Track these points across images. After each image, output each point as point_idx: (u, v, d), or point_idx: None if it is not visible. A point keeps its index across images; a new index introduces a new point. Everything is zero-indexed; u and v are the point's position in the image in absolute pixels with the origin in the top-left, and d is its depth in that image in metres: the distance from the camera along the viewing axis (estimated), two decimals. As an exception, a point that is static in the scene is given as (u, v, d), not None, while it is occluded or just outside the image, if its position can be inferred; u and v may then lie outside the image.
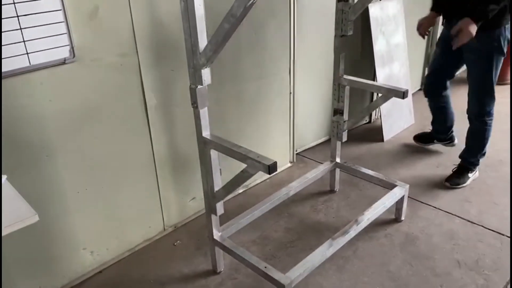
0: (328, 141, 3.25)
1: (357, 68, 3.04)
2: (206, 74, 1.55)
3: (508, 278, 1.96)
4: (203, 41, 1.48)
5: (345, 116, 2.34)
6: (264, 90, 2.57)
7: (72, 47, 1.69)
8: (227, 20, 1.38)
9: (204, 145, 1.73)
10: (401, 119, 3.46)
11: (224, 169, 1.88)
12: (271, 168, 1.50)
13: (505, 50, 2.30)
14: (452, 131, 2.98)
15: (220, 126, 2.35)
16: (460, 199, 2.52)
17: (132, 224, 2.19)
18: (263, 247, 2.24)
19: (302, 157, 3.06)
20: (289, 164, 2.97)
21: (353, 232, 2.02)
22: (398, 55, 3.39)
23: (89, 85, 1.81)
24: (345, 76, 2.23)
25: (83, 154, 1.88)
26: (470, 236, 2.22)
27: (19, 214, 0.99)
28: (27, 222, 0.97)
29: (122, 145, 2.00)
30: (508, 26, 2.26)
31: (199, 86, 1.58)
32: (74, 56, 1.70)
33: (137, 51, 1.91)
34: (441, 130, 3.00)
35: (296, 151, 3.03)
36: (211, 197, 1.86)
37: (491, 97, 2.44)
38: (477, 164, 2.67)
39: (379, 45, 3.17)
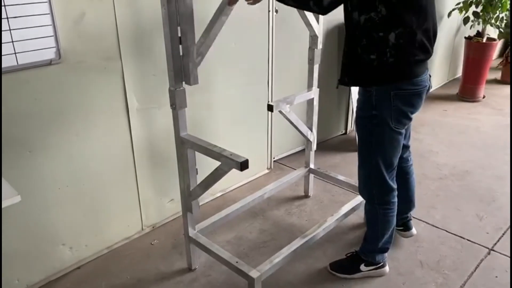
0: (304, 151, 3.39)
1: (332, 80, 3.18)
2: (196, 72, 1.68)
3: (465, 277, 2.08)
4: (194, 39, 1.62)
5: (315, 126, 2.52)
6: (243, 99, 2.69)
7: (58, 49, 1.79)
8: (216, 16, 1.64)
9: (181, 144, 1.83)
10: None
11: (203, 171, 1.97)
12: (243, 165, 1.61)
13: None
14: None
15: (199, 133, 2.44)
16: (427, 205, 2.65)
17: (111, 223, 2.26)
18: (238, 246, 2.33)
19: (280, 164, 3.18)
20: (267, 171, 3.08)
21: (322, 232, 2.12)
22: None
23: (74, 86, 1.90)
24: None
25: (65, 152, 1.96)
26: (433, 239, 2.35)
27: (1, 194, 1.06)
28: (9, 202, 1.04)
29: (103, 144, 2.09)
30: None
31: (178, 88, 1.69)
32: (60, 57, 1.80)
33: (120, 56, 2.01)
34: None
35: (273, 158, 3.15)
36: (187, 195, 1.95)
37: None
38: (373, 261, 2.05)
39: None
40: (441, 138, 3.61)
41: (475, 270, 2.13)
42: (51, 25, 1.74)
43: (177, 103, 1.72)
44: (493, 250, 2.26)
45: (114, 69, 2.02)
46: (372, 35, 1.58)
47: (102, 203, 2.18)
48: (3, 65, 1.65)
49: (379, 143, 1.78)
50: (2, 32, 1.61)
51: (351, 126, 3.73)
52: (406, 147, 2.07)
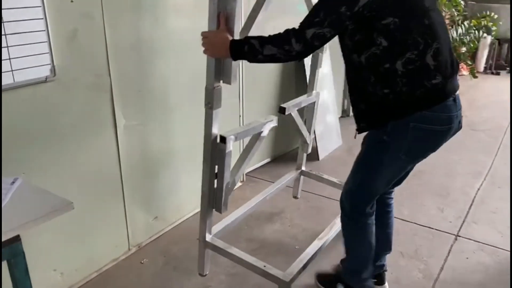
0: (271, 162, 3.53)
1: (294, 95, 3.37)
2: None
3: (442, 262, 2.31)
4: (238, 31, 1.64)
5: (310, 131, 2.64)
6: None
7: (53, 66, 1.76)
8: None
9: (216, 142, 1.80)
10: (331, 140, 3.85)
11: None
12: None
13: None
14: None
15: (173, 147, 2.49)
16: (395, 203, 2.87)
17: (99, 244, 2.20)
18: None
19: (251, 177, 3.26)
20: (240, 184, 3.15)
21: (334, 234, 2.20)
22: (326, 83, 3.81)
23: (67, 103, 1.87)
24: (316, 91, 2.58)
25: (56, 173, 1.91)
26: (407, 232, 2.57)
27: (54, 204, 1.06)
28: (64, 210, 1.04)
29: (92, 163, 2.05)
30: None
31: (216, 87, 1.68)
32: (55, 75, 1.77)
33: (109, 73, 2.02)
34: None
35: (244, 171, 3.23)
36: (220, 194, 1.90)
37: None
38: (348, 283, 1.94)
39: None
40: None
41: (448, 255, 2.36)
42: (46, 42, 1.72)
43: (214, 102, 1.70)
44: (459, 236, 2.53)
45: (103, 86, 2.01)
46: (379, 70, 1.47)
47: (90, 224, 2.12)
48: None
49: (376, 167, 1.65)
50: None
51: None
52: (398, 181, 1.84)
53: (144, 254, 2.37)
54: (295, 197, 2.93)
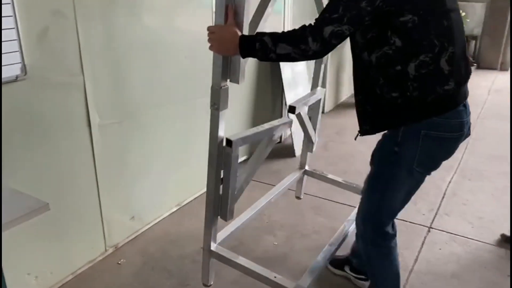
0: (247, 160, 3.53)
1: (270, 92, 3.40)
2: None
3: (416, 253, 2.37)
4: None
5: (316, 129, 2.54)
6: (189, 112, 2.74)
7: (24, 65, 1.72)
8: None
9: (223, 145, 1.69)
10: (307, 137, 3.88)
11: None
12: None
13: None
14: None
15: (149, 146, 2.47)
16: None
17: (75, 246, 2.16)
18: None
19: (228, 174, 3.26)
20: (217, 181, 3.15)
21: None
22: (301, 80, 3.84)
23: (38, 102, 1.83)
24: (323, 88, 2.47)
25: (28, 173, 1.86)
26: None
27: (30, 205, 1.04)
28: (40, 211, 1.02)
29: (66, 163, 2.01)
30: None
31: (223, 87, 1.56)
32: (25, 73, 1.73)
33: (83, 71, 1.98)
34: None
35: (221, 169, 3.23)
36: (225, 201, 1.77)
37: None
38: None
39: (286, 73, 3.59)
40: (363, 139, 3.99)
41: (422, 246, 2.43)
42: (16, 40, 1.67)
43: (221, 102, 1.57)
44: (432, 228, 2.60)
45: (76, 85, 1.97)
46: (389, 71, 1.39)
47: (65, 226, 2.08)
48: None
49: (389, 183, 1.56)
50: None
51: (285, 133, 3.96)
52: None
53: (121, 255, 2.34)
54: (298, 198, 2.83)
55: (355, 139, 1.70)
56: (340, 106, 5.07)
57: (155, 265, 2.26)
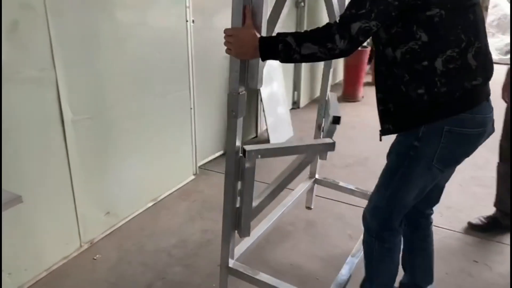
0: (224, 154, 3.55)
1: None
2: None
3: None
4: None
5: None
6: (165, 106, 2.75)
7: (-7, 59, 1.70)
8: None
9: (237, 156, 1.58)
10: (283, 131, 3.94)
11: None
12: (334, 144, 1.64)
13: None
14: None
15: (123, 141, 2.47)
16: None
17: (49, 243, 2.14)
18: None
19: (204, 170, 3.28)
20: (193, 177, 3.16)
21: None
22: (276, 76, 3.89)
23: (9, 98, 1.81)
24: (331, 92, 2.38)
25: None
26: (355, 216, 2.68)
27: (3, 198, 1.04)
28: (13, 204, 1.02)
29: (38, 159, 2.00)
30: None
31: (241, 93, 1.47)
32: (-5, 68, 1.71)
33: (54, 67, 1.96)
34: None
35: (198, 164, 3.24)
36: (246, 215, 1.67)
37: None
38: None
39: (264, 93, 3.66)
40: (337, 133, 4.07)
41: (393, 235, 2.50)
42: (-16, 34, 1.65)
43: (238, 109, 1.47)
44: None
45: (48, 79, 1.96)
46: (415, 67, 1.34)
47: (39, 222, 2.07)
48: None
49: (405, 178, 1.50)
50: None
51: (260, 128, 4.00)
52: (434, 201, 1.76)
53: (97, 250, 2.34)
54: (309, 208, 2.74)
55: (380, 139, 1.61)
56: (315, 101, 5.15)
57: (131, 259, 2.27)
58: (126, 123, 2.46)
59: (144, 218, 2.64)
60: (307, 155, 1.62)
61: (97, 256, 2.29)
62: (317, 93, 5.35)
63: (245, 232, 1.69)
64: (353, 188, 2.49)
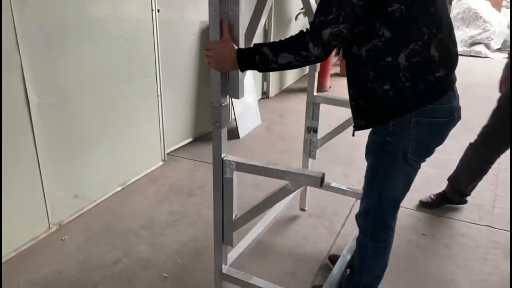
0: (193, 142, 3.66)
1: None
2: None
3: (344, 219, 2.60)
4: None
5: (319, 135, 2.45)
6: (132, 93, 2.83)
7: (-43, 43, 1.75)
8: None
9: (223, 168, 1.56)
10: (251, 119, 4.06)
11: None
12: (322, 180, 1.46)
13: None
14: None
15: (91, 126, 2.54)
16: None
17: (17, 224, 2.21)
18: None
19: (173, 156, 3.37)
20: (161, 163, 3.25)
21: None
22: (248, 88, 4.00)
23: (-26, 82, 1.86)
24: (318, 94, 2.36)
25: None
26: (316, 196, 2.83)
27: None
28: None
29: (5, 143, 2.05)
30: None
31: (224, 103, 1.47)
32: (-41, 52, 1.76)
33: (19, 51, 2.02)
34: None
35: (166, 151, 3.33)
36: (227, 226, 1.66)
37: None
38: None
39: None
40: (300, 121, 4.23)
41: (349, 213, 2.66)
42: None
43: (222, 120, 1.47)
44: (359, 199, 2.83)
45: (13, 64, 2.02)
46: (379, 64, 1.38)
47: (6, 204, 2.13)
48: None
49: (386, 174, 1.54)
50: None
51: (230, 117, 4.10)
52: None
53: (65, 232, 2.41)
54: (303, 209, 2.72)
55: (353, 135, 1.68)
56: (284, 92, 5.29)
57: (99, 239, 2.36)
58: (94, 108, 2.53)
59: (113, 202, 2.73)
60: (290, 183, 1.51)
61: (65, 237, 2.37)
62: (287, 83, 5.50)
63: (228, 242, 1.70)
64: (345, 188, 2.50)
